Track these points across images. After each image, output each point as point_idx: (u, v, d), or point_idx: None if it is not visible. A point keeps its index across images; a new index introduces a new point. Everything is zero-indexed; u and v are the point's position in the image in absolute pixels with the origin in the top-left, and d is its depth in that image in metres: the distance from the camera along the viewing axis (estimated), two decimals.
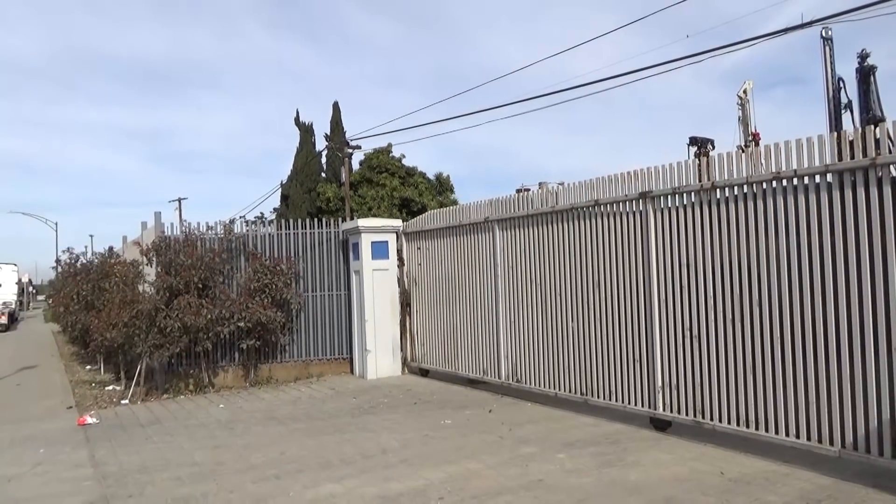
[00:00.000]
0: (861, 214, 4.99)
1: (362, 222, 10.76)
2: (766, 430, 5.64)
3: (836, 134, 5.17)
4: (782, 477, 5.12)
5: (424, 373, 10.62)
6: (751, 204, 5.75)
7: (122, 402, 9.59)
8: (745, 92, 33.56)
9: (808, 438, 5.34)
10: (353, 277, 11.04)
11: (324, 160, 33.04)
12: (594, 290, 7.33)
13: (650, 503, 4.68)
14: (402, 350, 10.91)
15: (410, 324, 10.92)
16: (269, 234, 11.12)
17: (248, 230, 11.26)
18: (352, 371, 11.11)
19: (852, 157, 5.04)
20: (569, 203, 7.63)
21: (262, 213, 37.45)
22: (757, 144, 32.32)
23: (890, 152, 4.84)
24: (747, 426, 5.79)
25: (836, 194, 5.15)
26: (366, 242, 10.68)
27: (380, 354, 10.68)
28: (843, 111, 28.17)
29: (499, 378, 8.82)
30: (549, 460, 5.79)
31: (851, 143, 5.06)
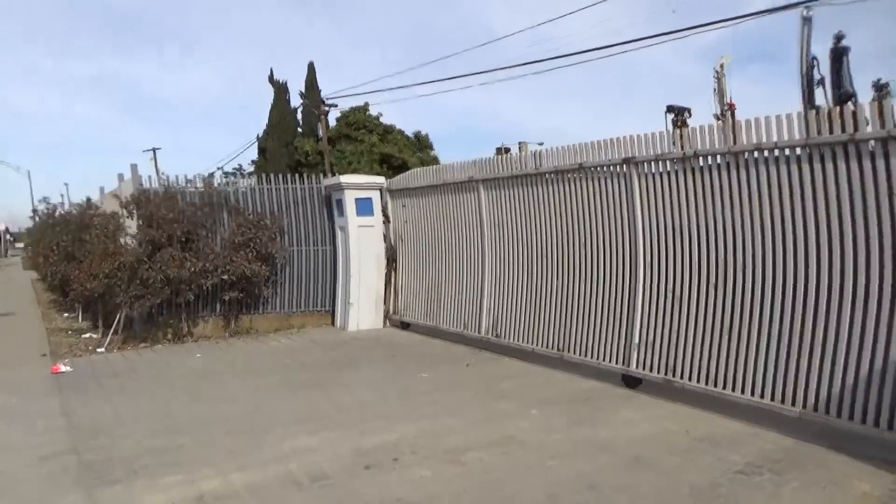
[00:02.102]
0: (833, 186, 5.04)
1: (345, 179, 10.69)
2: (733, 390, 5.79)
3: (815, 111, 5.18)
4: (746, 436, 5.27)
5: (406, 326, 10.73)
6: (733, 172, 5.78)
7: (99, 350, 9.62)
8: (721, 66, 33.32)
9: (772, 399, 5.49)
10: (339, 233, 11.02)
11: (299, 117, 32.58)
12: (579, 249, 7.39)
13: (618, 462, 4.82)
14: (384, 303, 11.00)
15: (395, 279, 10.98)
16: (251, 189, 11.02)
17: (229, 185, 11.14)
18: (333, 323, 11.20)
19: (831, 133, 5.06)
20: (553, 166, 7.63)
21: (240, 164, 37.10)
22: (734, 114, 32.26)
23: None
24: (715, 385, 5.94)
25: (818, 165, 5.19)
26: (350, 199, 10.63)
27: (362, 308, 10.76)
28: (815, 87, 28.11)
29: (479, 333, 8.94)
30: (522, 417, 5.93)
31: (830, 118, 5.07)
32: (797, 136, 5.27)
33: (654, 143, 6.47)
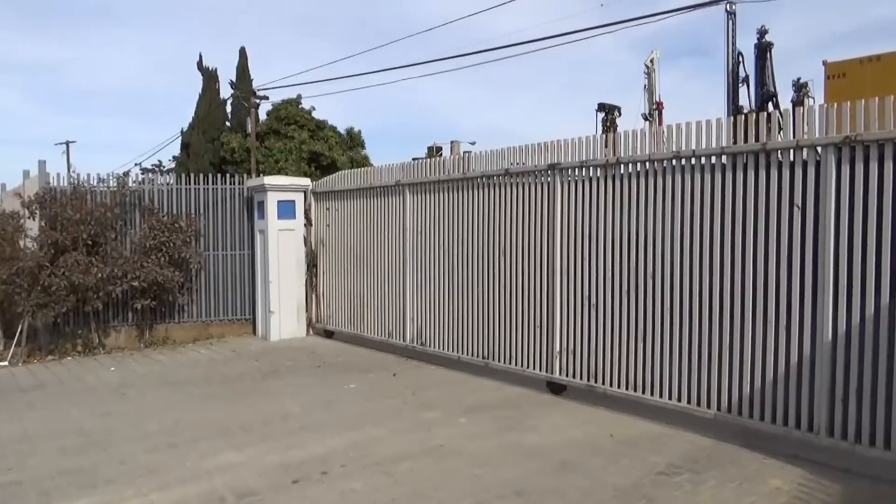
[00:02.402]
0: (750, 194, 5.33)
1: (269, 180, 10.42)
2: (653, 394, 6.01)
3: (732, 118, 5.45)
4: (666, 438, 5.50)
5: (329, 334, 10.56)
6: (651, 180, 6.00)
7: (1, 363, 8.98)
8: (651, 61, 34.67)
9: (689, 402, 5.74)
10: (258, 237, 10.72)
11: (229, 108, 31.58)
12: (500, 257, 7.48)
13: (545, 466, 4.90)
14: (307, 311, 10.78)
15: (317, 285, 10.78)
16: (168, 189, 10.55)
17: (144, 184, 10.62)
18: (254, 332, 10.88)
19: (745, 141, 5.34)
20: (480, 171, 7.69)
21: (159, 160, 35.55)
22: (661, 114, 33.72)
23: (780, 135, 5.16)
24: (635, 390, 6.15)
25: (730, 175, 5.46)
26: (272, 201, 10.36)
27: (284, 316, 10.50)
28: (740, 84, 29.78)
29: (404, 341, 8.90)
30: (450, 425, 5.94)
31: (746, 126, 5.35)
32: (714, 145, 5.53)
33: (580, 148, 6.64)
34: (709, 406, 5.62)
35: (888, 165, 4.58)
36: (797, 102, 29.17)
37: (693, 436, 5.53)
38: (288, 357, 9.15)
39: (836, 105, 4.80)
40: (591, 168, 6.52)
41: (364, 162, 33.03)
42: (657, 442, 5.41)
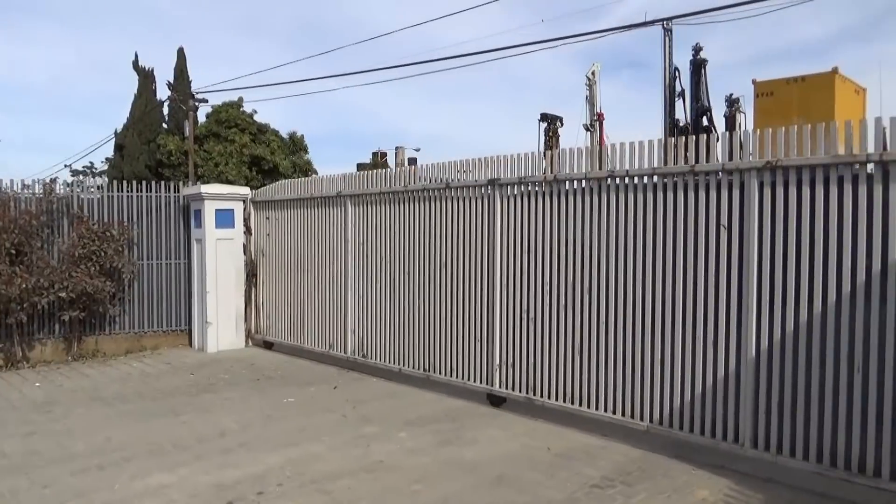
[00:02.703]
0: (680, 213, 5.55)
1: (206, 189, 10.20)
2: (588, 407, 6.17)
3: (663, 141, 5.67)
4: (600, 450, 5.65)
5: (269, 346, 10.40)
6: (588, 198, 6.17)
7: None
8: (593, 73, 35.52)
9: (623, 414, 5.93)
10: (195, 246, 10.47)
11: (166, 110, 30.71)
12: (441, 270, 7.55)
13: (483, 481, 4.97)
14: (246, 322, 10.60)
15: (256, 295, 10.61)
16: (99, 196, 10.19)
17: (73, 190, 10.23)
18: (190, 344, 10.62)
19: (675, 163, 5.57)
20: (421, 184, 7.75)
21: (91, 162, 34.24)
22: (601, 124, 34.60)
23: (707, 161, 5.40)
24: (572, 402, 6.30)
25: (660, 194, 5.68)
26: (209, 210, 10.15)
27: (222, 327, 10.29)
28: (677, 98, 30.92)
29: (345, 353, 8.86)
30: (390, 439, 5.95)
31: (676, 149, 5.57)
32: (646, 165, 5.74)
33: (519, 165, 6.78)
34: (642, 418, 5.81)
35: (805, 190, 4.85)
36: (729, 117, 30.52)
37: (626, 448, 5.70)
38: (225, 370, 8.97)
39: (759, 132, 5.07)
40: (529, 184, 6.66)
41: (307, 167, 32.66)
42: (592, 454, 5.55)
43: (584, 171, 6.20)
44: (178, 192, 10.68)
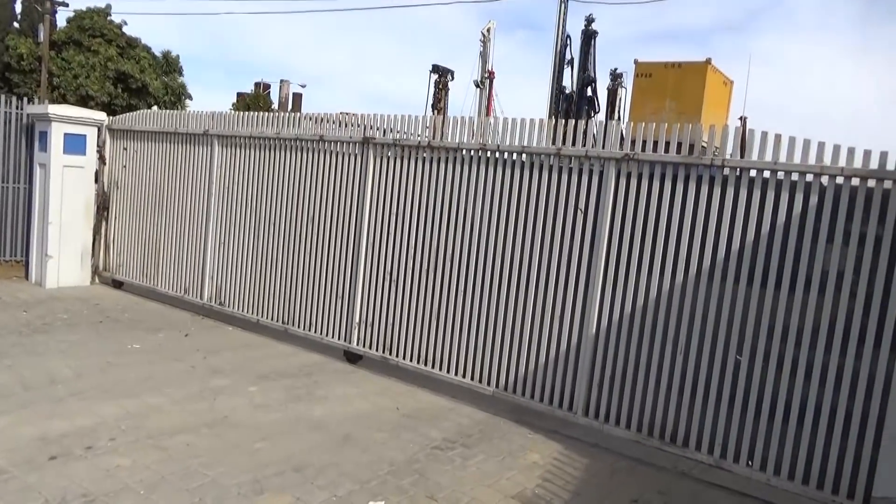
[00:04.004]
0: (544, 192, 5.80)
1: (54, 109, 9.29)
2: (441, 369, 6.42)
3: (533, 121, 5.86)
4: (448, 412, 5.91)
5: (119, 285, 9.83)
6: (459, 167, 6.28)
7: None
8: (488, 30, 35.70)
9: (472, 378, 6.23)
10: (38, 171, 9.55)
11: (18, 8, 27.45)
12: (309, 223, 7.44)
13: (329, 440, 5.06)
14: (93, 258, 9.92)
15: (107, 230, 9.94)
16: None
17: None
18: (27, 277, 9.79)
19: (544, 143, 5.79)
20: (294, 133, 7.53)
21: None
22: (492, 82, 35.00)
23: (585, 145, 5.65)
24: (426, 364, 6.52)
25: (527, 172, 5.89)
26: (57, 133, 9.27)
27: (64, 261, 9.55)
28: (566, 65, 31.88)
29: (201, 298, 8.58)
30: (239, 393, 5.89)
31: (555, 131, 5.78)
32: (517, 143, 5.92)
33: (394, 125, 6.76)
34: (489, 383, 6.13)
35: (655, 185, 5.22)
36: (612, 91, 31.92)
37: (472, 410, 6.00)
38: (65, 308, 8.39)
39: (623, 123, 5.36)
40: (404, 147, 6.66)
41: (181, 90, 30.64)
42: (439, 416, 5.80)
43: (457, 140, 6.28)
44: (21, 108, 9.67)
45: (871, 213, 4.43)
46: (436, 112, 34.46)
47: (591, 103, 31.14)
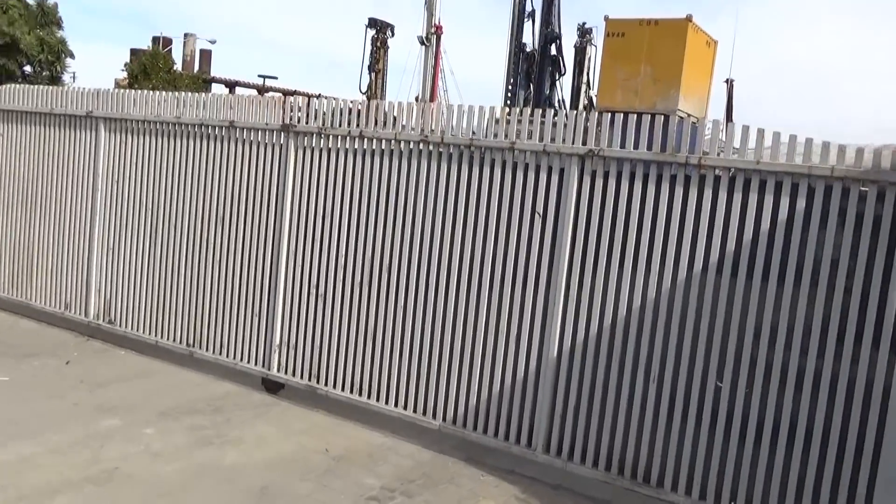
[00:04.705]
0: (495, 191, 5.84)
1: None
2: (378, 400, 6.42)
3: (483, 108, 5.89)
4: (386, 452, 5.92)
5: None
6: (395, 162, 6.27)
7: None
8: None
9: (415, 411, 6.25)
10: None
11: None
12: (219, 225, 7.30)
13: (242, 495, 5.00)
14: None
15: None
16: None
17: None
18: None
19: (496, 137, 5.83)
20: (199, 117, 7.39)
21: None
22: (439, 39, 34.89)
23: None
24: (360, 394, 6.51)
25: (476, 169, 5.91)
26: None
27: None
28: (526, 19, 32.09)
29: (86, 316, 8.34)
30: (133, 438, 5.76)
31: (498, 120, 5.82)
32: (462, 134, 5.95)
33: (319, 110, 6.70)
34: (434, 416, 6.16)
35: (624, 184, 5.31)
36: (580, 48, 32.28)
37: (415, 448, 6.03)
38: None
39: (583, 116, 5.42)
40: (330, 137, 6.61)
41: (60, 47, 29.66)
42: (376, 457, 5.81)
43: (393, 130, 6.27)
44: None
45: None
46: (374, 74, 34.24)
47: (556, 64, 31.38)
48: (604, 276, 5.42)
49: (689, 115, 16.62)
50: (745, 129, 4.97)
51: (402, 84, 73.05)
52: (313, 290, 6.74)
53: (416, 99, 35.13)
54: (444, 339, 6.09)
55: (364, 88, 33.06)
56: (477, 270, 5.93)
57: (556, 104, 30.12)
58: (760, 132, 4.91)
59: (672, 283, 5.18)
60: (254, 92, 36.73)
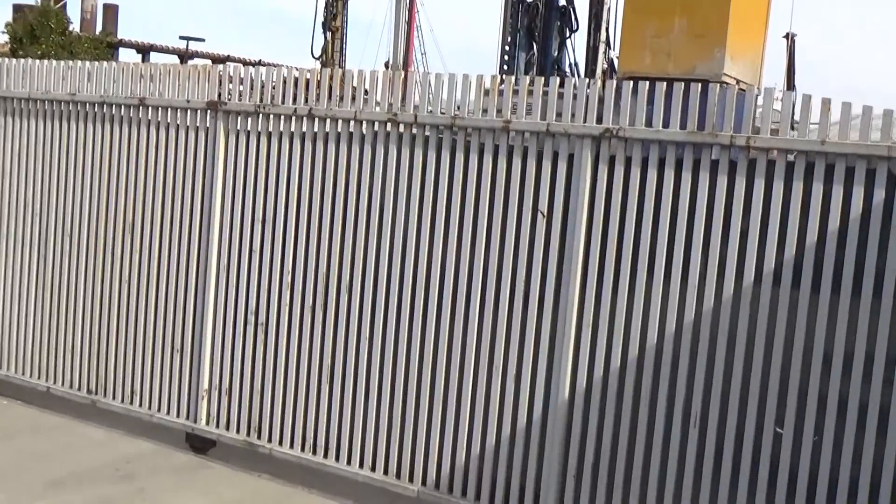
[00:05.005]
0: (486, 182, 5.88)
1: None
2: (337, 460, 6.44)
3: (467, 76, 5.92)
4: None
5: None
6: (357, 148, 6.31)
7: None
8: None
9: (386, 473, 6.27)
10: None
11: None
12: (126, 235, 7.32)
13: None
14: None
15: None
16: None
17: None
18: None
19: (485, 113, 5.86)
20: (99, 95, 7.41)
21: None
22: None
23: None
24: (314, 452, 6.53)
25: (460, 156, 5.95)
26: None
27: None
28: None
29: None
30: None
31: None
32: (440, 111, 6.02)
33: (257, 85, 6.74)
34: (411, 479, 6.17)
35: (651, 173, 5.34)
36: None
37: None
38: None
39: (597, 85, 5.45)
40: (271, 117, 6.64)
41: None
42: None
43: (353, 109, 6.31)
44: None
45: None
46: (329, 34, 34.36)
47: (566, 16, 31.31)
48: (627, 291, 5.44)
49: (738, 82, 16.72)
50: (807, 98, 4.98)
51: (367, 46, 73.11)
52: (251, 318, 6.74)
53: (386, 66, 35.26)
54: (422, 378, 6.10)
55: (317, 53, 33.12)
56: (463, 289, 5.94)
57: (567, 69, 30.14)
58: (826, 102, 4.92)
59: (716, 299, 5.21)
60: (174, 59, 36.74)
